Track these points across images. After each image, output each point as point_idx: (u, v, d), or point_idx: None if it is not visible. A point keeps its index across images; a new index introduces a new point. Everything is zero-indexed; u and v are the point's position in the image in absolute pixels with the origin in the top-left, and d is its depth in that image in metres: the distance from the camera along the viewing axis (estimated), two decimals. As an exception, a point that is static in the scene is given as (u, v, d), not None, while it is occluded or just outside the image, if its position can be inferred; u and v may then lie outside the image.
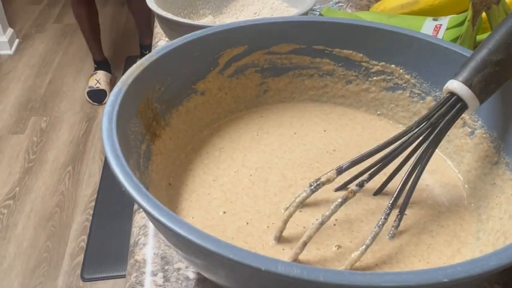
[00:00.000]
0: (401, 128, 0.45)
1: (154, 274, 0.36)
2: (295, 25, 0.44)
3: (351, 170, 0.34)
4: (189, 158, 0.41)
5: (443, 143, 0.39)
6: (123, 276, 1.26)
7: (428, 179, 0.40)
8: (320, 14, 0.61)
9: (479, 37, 0.50)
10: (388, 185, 0.38)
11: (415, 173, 0.35)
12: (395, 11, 0.64)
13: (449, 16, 0.56)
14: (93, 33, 1.97)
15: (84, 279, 1.26)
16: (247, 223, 0.35)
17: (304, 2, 0.59)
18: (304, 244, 0.32)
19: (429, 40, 0.41)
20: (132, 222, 0.42)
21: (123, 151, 0.29)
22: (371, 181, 0.34)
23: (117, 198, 1.46)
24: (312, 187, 0.33)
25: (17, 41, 2.30)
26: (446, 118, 0.34)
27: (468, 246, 0.34)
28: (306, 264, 0.32)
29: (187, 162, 0.40)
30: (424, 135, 0.34)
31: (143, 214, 0.42)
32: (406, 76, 0.44)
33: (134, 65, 0.37)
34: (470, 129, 0.40)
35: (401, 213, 0.35)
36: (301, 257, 0.33)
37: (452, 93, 0.34)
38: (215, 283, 0.32)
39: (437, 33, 0.54)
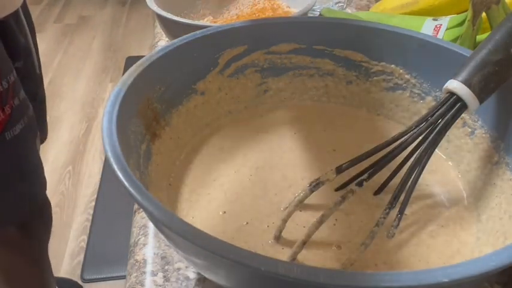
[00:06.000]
0: (401, 128, 0.45)
1: (154, 274, 0.36)
2: (295, 25, 0.44)
3: (350, 169, 0.34)
4: (189, 158, 0.41)
5: (443, 143, 0.39)
6: (123, 277, 1.26)
7: (428, 179, 0.40)
8: (320, 14, 0.61)
9: (479, 37, 0.50)
10: (388, 185, 0.38)
11: (415, 172, 0.35)
12: (395, 11, 0.64)
13: (449, 16, 0.56)
14: None
15: (84, 280, 1.26)
16: (247, 223, 0.35)
17: (304, 2, 0.59)
18: (304, 243, 0.32)
19: (429, 40, 0.41)
20: (132, 222, 0.42)
21: (123, 151, 0.29)
22: (371, 181, 0.34)
23: (117, 198, 1.45)
24: (312, 186, 0.33)
25: (17, 41, 2.30)
26: (446, 118, 0.34)
27: (468, 246, 0.34)
28: (306, 264, 0.33)
29: (187, 162, 0.40)
30: (423, 135, 0.34)
31: (143, 214, 0.42)
32: (406, 76, 0.44)
33: (134, 65, 0.37)
34: (470, 129, 0.40)
35: (401, 213, 0.35)
36: (301, 257, 0.33)
37: (452, 93, 0.34)
38: (215, 283, 0.32)
39: (437, 33, 0.54)
